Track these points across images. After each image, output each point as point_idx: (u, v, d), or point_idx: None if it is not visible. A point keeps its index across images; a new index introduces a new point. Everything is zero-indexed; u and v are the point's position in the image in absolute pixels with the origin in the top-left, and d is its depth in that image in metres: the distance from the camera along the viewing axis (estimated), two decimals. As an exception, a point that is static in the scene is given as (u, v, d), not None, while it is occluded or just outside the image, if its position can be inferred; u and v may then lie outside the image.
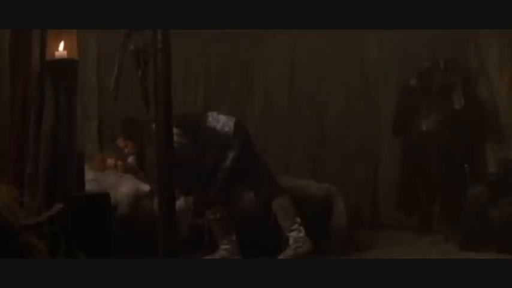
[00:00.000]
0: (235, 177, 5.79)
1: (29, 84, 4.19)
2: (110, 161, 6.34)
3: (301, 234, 5.67)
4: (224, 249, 5.66)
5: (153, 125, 3.11)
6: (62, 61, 3.89)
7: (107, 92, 3.30)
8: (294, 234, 5.67)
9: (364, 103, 7.92)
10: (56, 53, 3.92)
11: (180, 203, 5.43)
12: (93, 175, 5.75)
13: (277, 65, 8.05)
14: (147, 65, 2.76)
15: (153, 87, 2.71)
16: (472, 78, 7.32)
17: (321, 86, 7.91)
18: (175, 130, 5.33)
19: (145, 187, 5.77)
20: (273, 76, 8.08)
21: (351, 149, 7.87)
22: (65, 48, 3.89)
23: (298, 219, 5.69)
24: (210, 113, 5.98)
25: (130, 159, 6.35)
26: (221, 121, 5.85)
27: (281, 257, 5.58)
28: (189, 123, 5.81)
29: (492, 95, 7.34)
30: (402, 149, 7.34)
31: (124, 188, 5.74)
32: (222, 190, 5.72)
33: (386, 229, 7.20)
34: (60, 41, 3.92)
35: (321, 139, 7.90)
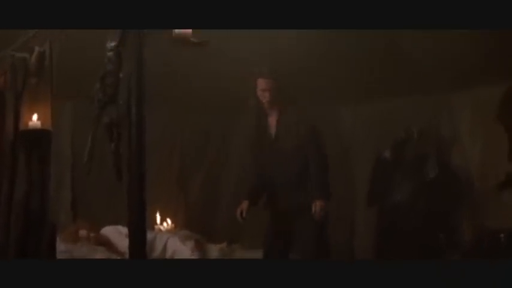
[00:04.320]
0: None
1: (1, 153, 4.16)
2: (83, 232, 6.27)
3: None
4: None
5: None
6: (35, 131, 3.87)
7: (81, 161, 3.28)
8: None
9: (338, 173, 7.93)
10: (30, 123, 3.91)
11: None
12: (65, 247, 5.67)
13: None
14: (120, 138, 2.75)
15: (127, 159, 2.70)
16: (445, 147, 7.37)
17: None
18: None
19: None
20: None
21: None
22: (38, 119, 3.88)
23: None
24: None
25: None
26: None
27: None
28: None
29: (466, 162, 7.38)
30: (377, 219, 7.33)
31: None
32: None
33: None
34: (33, 112, 3.92)
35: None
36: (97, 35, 3.07)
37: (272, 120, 5.83)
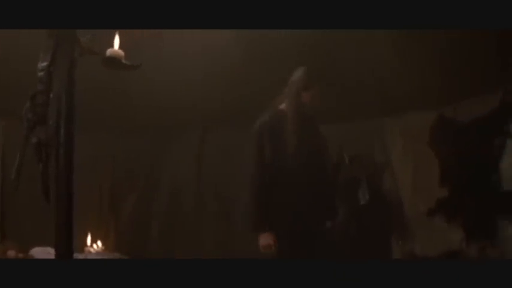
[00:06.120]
0: None
1: None
2: (11, 253, 6.16)
3: None
4: None
5: None
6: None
7: (11, 180, 3.25)
8: None
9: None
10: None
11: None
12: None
13: (185, 160, 8.09)
14: (49, 158, 2.72)
15: (55, 179, 2.69)
16: (377, 173, 7.44)
17: (229, 180, 7.87)
18: None
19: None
20: (181, 171, 8.11)
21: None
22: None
23: None
24: None
25: None
26: None
27: None
28: None
29: (397, 188, 7.46)
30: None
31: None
32: None
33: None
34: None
35: (229, 234, 7.82)
36: (29, 54, 3.05)
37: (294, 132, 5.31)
